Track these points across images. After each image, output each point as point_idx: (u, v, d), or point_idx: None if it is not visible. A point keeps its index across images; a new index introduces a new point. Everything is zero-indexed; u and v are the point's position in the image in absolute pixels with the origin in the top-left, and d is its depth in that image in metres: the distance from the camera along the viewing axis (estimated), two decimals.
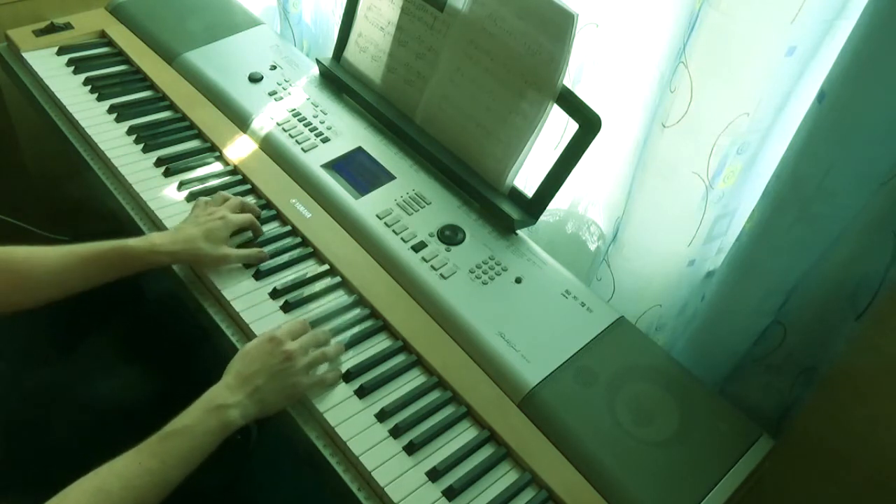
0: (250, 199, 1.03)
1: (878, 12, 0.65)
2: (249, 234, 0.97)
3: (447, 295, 0.91)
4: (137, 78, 1.21)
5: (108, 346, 1.00)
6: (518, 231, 1.01)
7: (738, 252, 0.86)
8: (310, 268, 0.95)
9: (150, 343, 1.02)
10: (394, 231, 0.98)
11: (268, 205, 1.03)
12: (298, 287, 0.92)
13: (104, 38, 1.29)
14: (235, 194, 1.03)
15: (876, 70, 0.66)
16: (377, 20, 1.13)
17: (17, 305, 0.82)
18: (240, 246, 0.95)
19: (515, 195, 1.02)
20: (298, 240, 0.98)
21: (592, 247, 1.18)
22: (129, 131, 1.10)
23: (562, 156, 0.97)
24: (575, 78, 1.06)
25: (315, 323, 0.87)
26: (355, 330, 0.88)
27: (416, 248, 0.96)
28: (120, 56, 1.25)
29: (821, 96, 0.71)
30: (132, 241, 0.87)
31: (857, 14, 0.68)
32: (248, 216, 0.95)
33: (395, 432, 0.79)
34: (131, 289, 1.13)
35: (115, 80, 1.20)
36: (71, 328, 1.00)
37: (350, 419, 0.80)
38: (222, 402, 0.75)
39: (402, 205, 1.02)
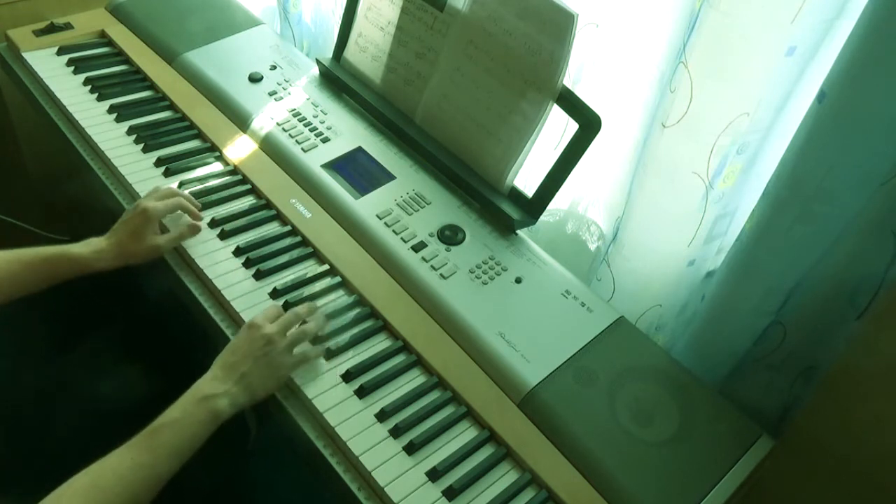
0: (250, 199, 1.03)
1: (878, 12, 0.65)
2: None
3: (447, 295, 0.91)
4: (137, 78, 1.21)
5: (108, 346, 1.00)
6: (518, 231, 1.01)
7: (738, 252, 0.86)
8: (310, 268, 0.95)
9: (150, 343, 1.02)
10: (394, 231, 0.98)
11: (268, 205, 1.03)
12: (298, 287, 0.92)
13: (104, 38, 1.29)
14: (235, 194, 1.03)
15: (876, 70, 0.66)
16: (377, 20, 1.13)
17: None
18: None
19: (515, 195, 1.02)
20: (298, 240, 0.98)
21: (592, 247, 1.18)
22: (129, 131, 1.10)
23: (562, 156, 0.97)
24: (575, 78, 1.06)
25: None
26: (355, 330, 0.88)
27: (416, 248, 0.96)
28: (120, 56, 1.25)
29: (821, 96, 0.71)
30: (74, 248, 0.89)
31: (857, 14, 0.68)
32: (172, 200, 0.95)
33: (395, 432, 0.79)
34: (131, 289, 1.13)
35: (115, 80, 1.20)
36: (71, 328, 1.00)
37: (350, 419, 0.80)
38: (210, 392, 0.76)
39: (402, 205, 1.02)
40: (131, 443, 0.71)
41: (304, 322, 0.85)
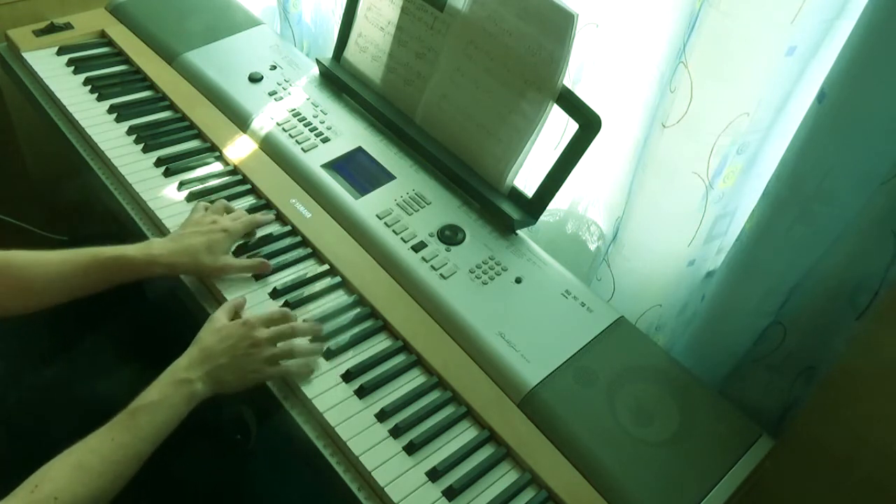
0: (250, 199, 1.03)
1: (878, 12, 0.65)
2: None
3: (447, 295, 0.91)
4: (137, 78, 1.22)
5: (108, 346, 1.00)
6: (518, 231, 1.01)
7: (738, 252, 0.86)
8: (310, 268, 0.95)
9: (150, 343, 1.02)
10: (394, 231, 0.98)
11: (268, 205, 1.03)
12: (298, 287, 0.92)
13: (104, 38, 1.29)
14: (235, 194, 1.03)
15: (876, 70, 0.66)
16: (377, 20, 1.13)
17: (14, 311, 0.83)
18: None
19: (515, 195, 1.02)
20: (298, 240, 0.98)
21: (592, 247, 1.18)
22: (129, 131, 1.10)
23: (562, 156, 0.97)
24: (575, 78, 1.06)
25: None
26: (355, 330, 0.88)
27: (416, 248, 0.96)
28: (120, 56, 1.25)
29: (821, 96, 0.71)
30: (131, 250, 0.86)
31: (857, 14, 0.68)
32: (248, 219, 0.96)
33: (395, 432, 0.79)
34: (131, 289, 1.13)
35: (115, 80, 1.20)
36: (71, 328, 1.00)
37: (350, 419, 0.80)
38: (185, 376, 0.77)
39: (402, 205, 1.02)
40: (111, 424, 0.73)
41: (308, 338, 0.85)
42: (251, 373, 0.80)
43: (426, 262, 0.95)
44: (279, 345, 0.83)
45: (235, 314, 0.87)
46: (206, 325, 0.83)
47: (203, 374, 0.78)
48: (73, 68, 1.20)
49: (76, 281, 0.85)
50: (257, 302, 0.90)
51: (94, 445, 0.71)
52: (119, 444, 0.71)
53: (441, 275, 0.93)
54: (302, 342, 0.85)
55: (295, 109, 1.15)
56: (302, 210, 1.01)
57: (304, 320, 0.87)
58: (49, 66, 1.20)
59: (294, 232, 1.00)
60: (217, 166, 1.08)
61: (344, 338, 0.87)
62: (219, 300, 0.91)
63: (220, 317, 0.84)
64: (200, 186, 1.04)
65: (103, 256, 0.85)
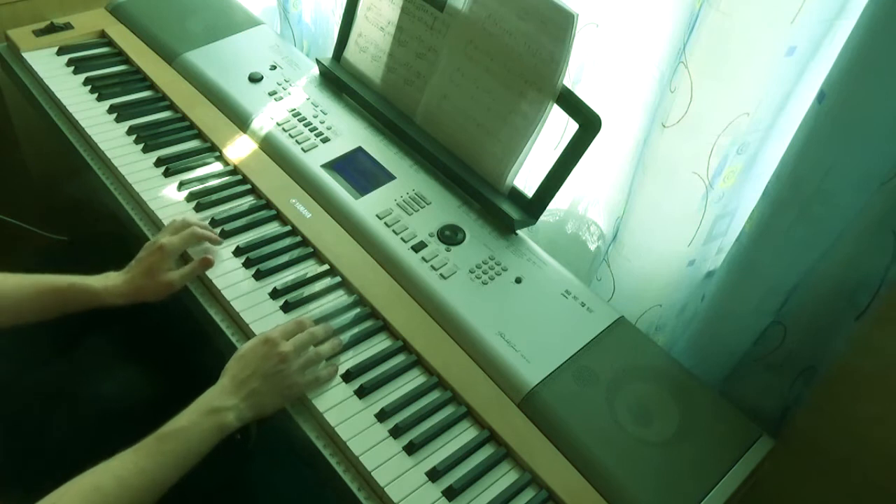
0: (250, 199, 1.03)
1: (878, 12, 0.65)
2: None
3: (447, 295, 0.91)
4: (137, 78, 1.22)
5: (108, 346, 1.00)
6: (518, 231, 1.01)
7: (738, 252, 0.86)
8: (310, 268, 0.95)
9: (150, 343, 1.02)
10: (394, 231, 0.98)
11: (268, 205, 1.03)
12: (298, 287, 0.92)
13: (104, 38, 1.29)
14: (235, 194, 1.03)
15: (876, 70, 0.66)
16: (377, 20, 1.13)
17: None
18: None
19: (515, 195, 1.02)
20: (298, 240, 0.98)
21: (592, 247, 1.18)
22: (129, 131, 1.10)
23: (562, 156, 0.97)
24: (575, 78, 1.06)
25: (315, 323, 0.87)
26: (355, 330, 0.88)
27: (416, 248, 0.96)
28: (120, 56, 1.25)
29: (821, 96, 0.71)
30: (90, 280, 0.88)
31: (857, 14, 0.68)
32: (187, 232, 0.92)
33: (395, 432, 0.79)
34: None
35: (115, 80, 1.20)
36: (71, 328, 1.00)
37: (350, 419, 0.80)
38: (218, 405, 0.76)
39: (402, 205, 1.02)
40: (136, 447, 0.71)
41: (321, 342, 0.85)
42: (286, 388, 0.80)
43: (426, 262, 0.95)
44: (303, 353, 0.82)
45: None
46: (232, 357, 0.82)
47: (238, 401, 0.77)
48: (73, 68, 1.20)
49: (31, 306, 0.86)
50: (258, 301, 0.90)
51: (115, 467, 0.70)
52: (141, 468, 0.70)
53: (441, 275, 0.93)
54: (323, 345, 0.85)
55: (295, 109, 1.15)
56: (302, 210, 1.01)
57: (314, 322, 0.87)
58: (49, 66, 1.20)
59: (294, 232, 1.00)
60: (217, 166, 1.08)
61: (344, 338, 0.87)
62: (218, 299, 0.91)
63: (241, 346, 0.83)
64: (200, 186, 1.04)
65: (62, 284, 0.86)
